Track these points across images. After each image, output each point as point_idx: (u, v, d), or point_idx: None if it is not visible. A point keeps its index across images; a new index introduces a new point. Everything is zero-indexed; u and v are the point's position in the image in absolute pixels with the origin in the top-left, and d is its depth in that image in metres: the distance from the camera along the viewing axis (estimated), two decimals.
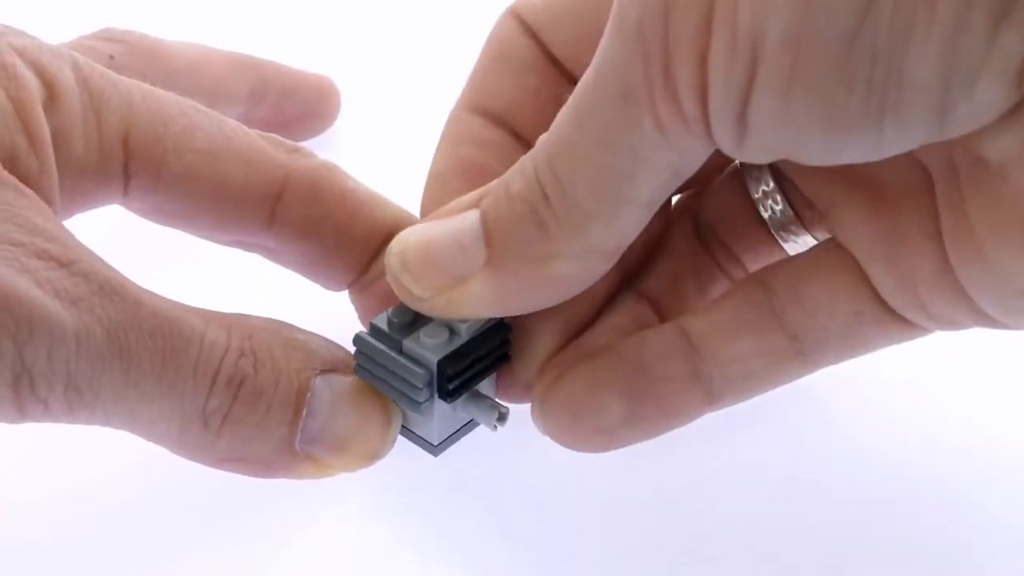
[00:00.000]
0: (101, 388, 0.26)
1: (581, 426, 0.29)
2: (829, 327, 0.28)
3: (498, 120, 0.32)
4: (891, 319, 0.28)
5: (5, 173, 0.27)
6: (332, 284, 0.34)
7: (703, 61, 0.22)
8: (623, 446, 0.29)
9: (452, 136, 0.32)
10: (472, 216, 0.27)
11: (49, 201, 0.28)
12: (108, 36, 0.41)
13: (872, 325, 0.28)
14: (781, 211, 0.31)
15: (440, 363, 0.29)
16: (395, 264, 0.28)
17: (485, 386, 0.31)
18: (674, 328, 0.29)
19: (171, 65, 0.42)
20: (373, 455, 0.30)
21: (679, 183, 0.25)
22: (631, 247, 0.27)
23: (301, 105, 0.48)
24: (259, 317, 0.30)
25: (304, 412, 0.28)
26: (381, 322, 0.30)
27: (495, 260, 0.27)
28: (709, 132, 0.23)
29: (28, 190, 0.27)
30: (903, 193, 0.27)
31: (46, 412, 0.26)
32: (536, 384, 0.30)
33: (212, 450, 0.28)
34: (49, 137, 0.28)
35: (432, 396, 0.30)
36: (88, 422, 0.27)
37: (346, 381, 0.29)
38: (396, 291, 0.29)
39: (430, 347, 0.29)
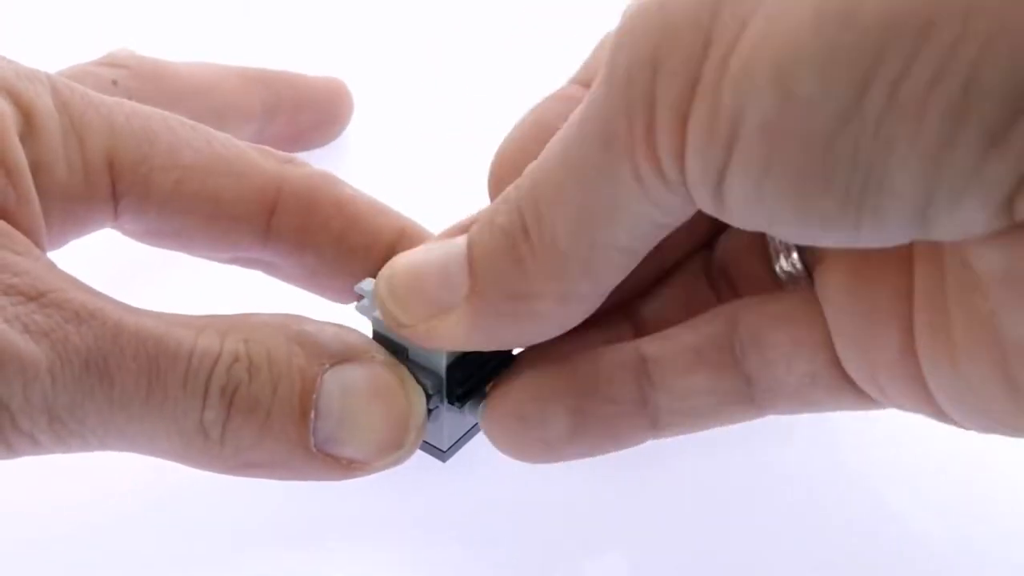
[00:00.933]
0: (86, 416, 0.26)
1: (525, 435, 0.28)
2: (783, 380, 0.28)
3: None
4: (847, 387, 0.27)
5: None
6: (337, 296, 0.33)
7: (683, 126, 0.22)
8: (564, 460, 0.29)
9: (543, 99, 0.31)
10: (460, 243, 0.27)
11: (31, 231, 0.28)
12: (111, 62, 0.40)
13: (826, 390, 0.27)
14: (792, 261, 0.29)
15: (449, 368, 0.29)
16: (382, 288, 0.28)
17: None
18: (632, 350, 0.29)
19: (178, 86, 0.41)
20: (397, 448, 0.28)
21: (665, 233, 0.25)
22: (637, 270, 0.26)
23: (315, 113, 0.47)
24: (266, 314, 0.29)
25: (312, 413, 0.27)
26: (380, 326, 0.29)
27: (476, 293, 0.26)
28: (688, 194, 0.23)
29: (1, 223, 0.27)
30: (884, 269, 0.25)
31: (36, 446, 0.26)
32: (491, 388, 0.29)
33: (221, 459, 0.27)
34: (27, 167, 0.28)
35: (441, 402, 0.29)
36: (84, 450, 0.27)
37: (360, 373, 0.28)
38: (382, 315, 0.28)
39: (437, 352, 0.29)
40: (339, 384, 0.28)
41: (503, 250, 0.25)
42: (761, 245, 0.30)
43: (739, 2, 0.21)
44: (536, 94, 0.31)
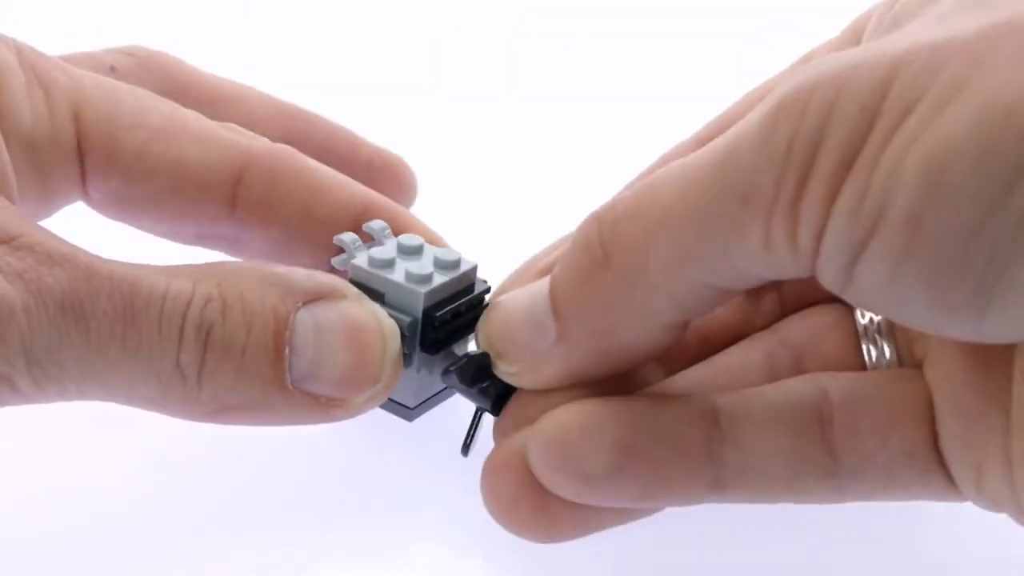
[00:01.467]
0: (63, 360, 0.25)
1: (565, 465, 0.26)
2: (874, 456, 0.26)
3: None
4: (939, 474, 0.26)
5: None
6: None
7: (831, 201, 0.22)
8: (600, 503, 0.27)
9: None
10: (544, 286, 0.27)
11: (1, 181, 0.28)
12: (118, 49, 0.39)
13: (918, 472, 0.26)
14: (883, 348, 0.29)
15: (425, 312, 0.29)
16: (482, 341, 0.28)
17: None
18: (702, 398, 0.27)
19: (192, 89, 0.39)
20: (374, 382, 0.28)
21: (769, 279, 0.24)
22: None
23: (356, 175, 0.40)
24: (236, 261, 0.29)
25: (287, 350, 0.27)
26: (362, 259, 0.30)
27: (562, 336, 0.26)
28: (813, 267, 0.23)
29: None
30: (1006, 359, 0.25)
31: (15, 392, 0.25)
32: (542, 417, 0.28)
33: (198, 403, 0.27)
34: None
35: (414, 349, 0.29)
36: (63, 397, 0.26)
37: (333, 309, 0.28)
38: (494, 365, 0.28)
39: (414, 294, 0.29)
40: (312, 321, 0.27)
41: (583, 281, 0.25)
42: (845, 319, 0.29)
43: (909, 86, 0.21)
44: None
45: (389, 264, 0.30)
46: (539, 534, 0.27)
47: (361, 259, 0.30)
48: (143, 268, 0.27)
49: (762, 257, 0.23)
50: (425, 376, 0.30)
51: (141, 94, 0.31)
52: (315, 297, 0.28)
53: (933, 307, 0.21)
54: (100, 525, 0.33)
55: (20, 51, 0.30)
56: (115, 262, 0.27)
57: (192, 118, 0.32)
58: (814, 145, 0.22)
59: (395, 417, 0.31)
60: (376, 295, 0.29)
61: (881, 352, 0.29)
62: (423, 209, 0.40)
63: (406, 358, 0.29)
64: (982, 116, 0.20)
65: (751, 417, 0.26)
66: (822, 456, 0.26)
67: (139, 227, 0.32)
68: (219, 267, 0.28)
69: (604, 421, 0.26)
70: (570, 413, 0.26)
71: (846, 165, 0.22)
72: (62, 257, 0.26)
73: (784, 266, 0.23)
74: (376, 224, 0.31)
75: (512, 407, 0.28)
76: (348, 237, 0.30)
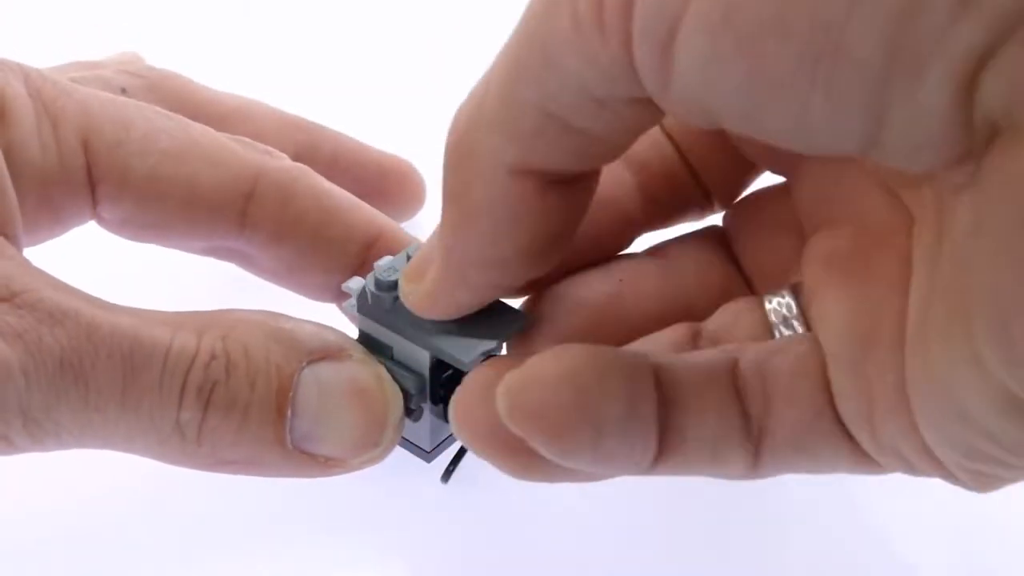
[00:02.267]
0: (60, 417, 0.25)
1: (575, 413, 0.24)
2: (783, 415, 0.24)
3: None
4: (843, 437, 0.24)
5: None
6: (313, 292, 0.33)
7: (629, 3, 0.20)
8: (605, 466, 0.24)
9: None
10: None
11: (5, 222, 0.28)
12: (128, 70, 0.39)
13: (824, 436, 0.24)
14: (785, 303, 0.27)
15: (433, 368, 0.28)
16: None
17: None
18: (645, 355, 0.25)
19: (201, 109, 0.39)
20: (374, 446, 0.28)
21: (598, 126, 0.22)
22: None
23: (366, 184, 0.41)
24: (243, 310, 0.28)
25: (288, 411, 0.27)
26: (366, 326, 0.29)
27: (440, 235, 0.25)
28: (630, 53, 0.20)
29: None
30: (883, 293, 0.24)
31: (12, 447, 0.26)
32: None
33: (197, 456, 0.27)
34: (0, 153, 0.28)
35: (425, 402, 0.29)
36: (60, 448, 0.26)
37: (338, 370, 0.28)
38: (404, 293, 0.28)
39: (421, 351, 0.28)
40: (316, 382, 0.27)
41: (451, 157, 0.24)
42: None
43: None
44: None
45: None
46: (516, 474, 0.26)
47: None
48: (148, 319, 0.27)
49: (575, 48, 0.20)
50: (438, 422, 0.30)
51: (151, 113, 0.31)
52: (321, 356, 0.28)
53: (756, 84, 0.19)
54: (92, 530, 0.33)
55: (27, 77, 0.30)
56: (119, 311, 0.27)
57: (203, 135, 0.31)
58: None
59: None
60: (384, 349, 0.29)
61: (792, 330, 0.27)
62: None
63: (414, 413, 0.29)
64: None
65: (688, 379, 0.25)
66: (740, 422, 0.25)
67: (149, 242, 0.32)
68: (226, 317, 0.28)
69: (610, 360, 0.24)
70: (579, 351, 0.24)
71: None
72: (63, 315, 0.26)
73: (599, 58, 0.20)
74: (384, 263, 0.29)
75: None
76: (356, 284, 0.29)
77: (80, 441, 0.26)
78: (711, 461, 0.25)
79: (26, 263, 0.27)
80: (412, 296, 0.27)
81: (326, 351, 0.28)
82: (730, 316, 0.28)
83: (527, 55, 0.21)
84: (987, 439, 0.21)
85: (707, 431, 0.24)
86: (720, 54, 0.19)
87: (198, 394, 0.26)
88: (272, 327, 0.28)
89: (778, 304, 0.27)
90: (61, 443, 0.26)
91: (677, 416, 0.24)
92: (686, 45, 0.19)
